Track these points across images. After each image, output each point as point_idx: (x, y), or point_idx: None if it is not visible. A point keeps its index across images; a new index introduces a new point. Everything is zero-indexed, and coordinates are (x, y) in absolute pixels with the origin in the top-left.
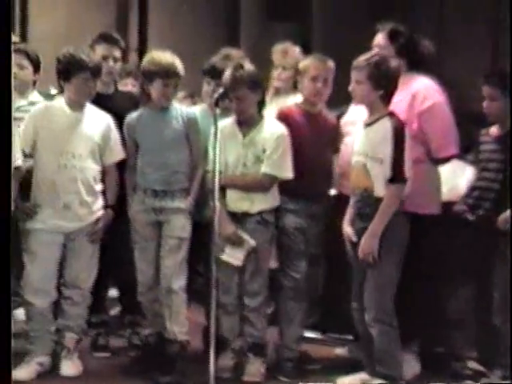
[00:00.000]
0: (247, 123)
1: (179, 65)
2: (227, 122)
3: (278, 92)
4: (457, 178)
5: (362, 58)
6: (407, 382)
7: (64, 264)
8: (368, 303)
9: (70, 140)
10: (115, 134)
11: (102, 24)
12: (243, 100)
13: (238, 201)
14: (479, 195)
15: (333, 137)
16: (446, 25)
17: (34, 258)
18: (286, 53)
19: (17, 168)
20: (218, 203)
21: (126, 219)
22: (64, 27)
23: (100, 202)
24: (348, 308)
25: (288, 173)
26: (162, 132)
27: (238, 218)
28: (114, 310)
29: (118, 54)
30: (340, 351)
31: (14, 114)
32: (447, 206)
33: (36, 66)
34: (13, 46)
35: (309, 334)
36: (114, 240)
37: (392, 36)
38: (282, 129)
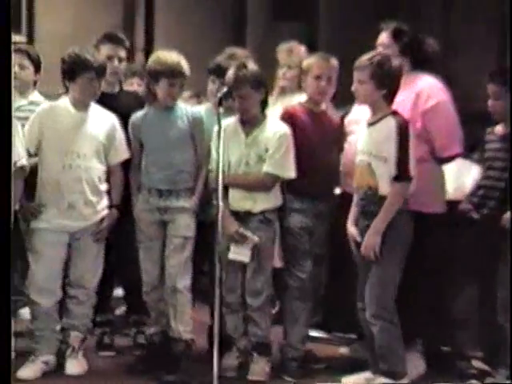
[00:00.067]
0: (250, 122)
1: (185, 64)
2: (230, 122)
3: (283, 91)
4: (462, 177)
5: (364, 58)
6: (412, 381)
7: (69, 263)
8: (369, 300)
9: (75, 140)
10: (120, 134)
11: (109, 24)
12: (246, 99)
13: (240, 200)
14: (484, 194)
15: (337, 135)
16: (452, 24)
17: (39, 257)
18: (292, 52)
19: (21, 167)
20: (221, 202)
21: (130, 219)
22: (71, 27)
23: (105, 202)
24: (351, 307)
25: (290, 172)
26: (167, 131)
27: (241, 217)
28: (120, 310)
29: (122, 53)
30: (344, 350)
31: (15, 114)
32: (453, 204)
33: (37, 66)
34: (14, 46)
35: (314, 333)
36: (119, 239)
37: (396, 35)
38: (284, 128)
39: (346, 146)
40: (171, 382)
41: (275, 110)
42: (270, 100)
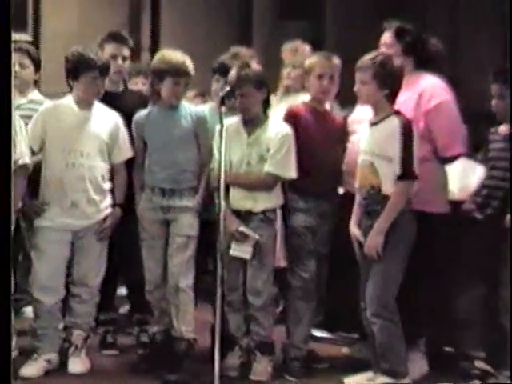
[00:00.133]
0: (252, 122)
1: (190, 64)
2: (232, 121)
3: (287, 90)
4: (467, 177)
5: (366, 58)
6: (415, 381)
7: (72, 262)
8: (370, 298)
9: (79, 139)
10: (123, 133)
11: (115, 23)
12: (247, 98)
13: (241, 199)
14: (488, 194)
15: (341, 135)
16: (457, 24)
17: (42, 255)
18: (296, 51)
19: (24, 165)
20: (223, 201)
21: (134, 217)
22: (77, 26)
23: (108, 201)
24: (353, 307)
25: (291, 172)
26: (171, 130)
27: (242, 216)
28: (124, 308)
29: (126, 52)
30: (347, 350)
31: (15, 113)
32: (457, 205)
33: (37, 66)
34: (15, 45)
35: (316, 333)
36: (123, 238)
37: (398, 34)
38: (286, 129)
39: (349, 145)
40: (173, 382)
41: (280, 109)
42: (275, 99)
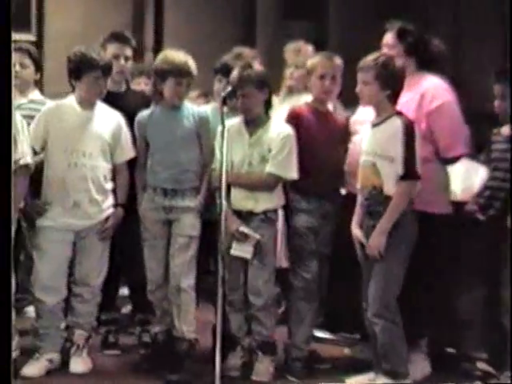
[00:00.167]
0: (254, 123)
1: (192, 64)
2: (235, 121)
3: (290, 91)
4: (470, 179)
5: (368, 59)
6: (416, 382)
7: (74, 261)
8: (371, 299)
9: (81, 139)
10: (126, 133)
11: (119, 23)
12: (249, 98)
13: (242, 200)
14: (490, 195)
15: (343, 135)
16: (460, 24)
17: (44, 255)
18: (299, 51)
19: (26, 165)
20: (224, 202)
21: (136, 217)
22: (80, 26)
23: (110, 200)
24: (355, 307)
25: (293, 173)
26: (173, 131)
27: (243, 216)
28: (126, 308)
29: (129, 52)
30: (349, 351)
31: (15, 112)
32: (460, 205)
33: (37, 66)
34: (15, 45)
35: (318, 334)
36: (125, 238)
37: (400, 35)
38: (288, 129)
39: (351, 146)
40: (174, 382)
41: (282, 109)
42: (278, 100)
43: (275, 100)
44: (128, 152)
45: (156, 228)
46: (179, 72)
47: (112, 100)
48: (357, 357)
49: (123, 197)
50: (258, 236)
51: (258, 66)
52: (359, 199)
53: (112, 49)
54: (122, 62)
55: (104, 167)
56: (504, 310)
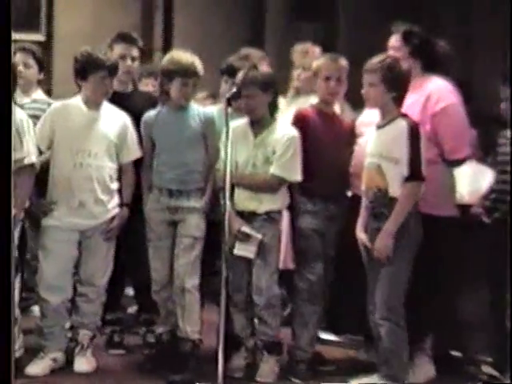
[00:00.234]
0: (259, 124)
1: (199, 65)
2: (240, 122)
3: (298, 92)
4: (477, 181)
5: (374, 61)
6: None
7: (79, 261)
8: (378, 302)
9: (87, 139)
10: (132, 133)
11: (128, 23)
12: (252, 99)
13: (246, 200)
14: (496, 198)
15: (349, 137)
16: (470, 26)
17: (49, 255)
18: (306, 53)
19: (31, 165)
20: (228, 202)
21: (142, 218)
22: (90, 26)
23: (115, 201)
24: (360, 309)
25: (297, 175)
26: (179, 131)
27: (246, 216)
28: (132, 309)
29: (135, 53)
30: (353, 353)
31: (16, 111)
32: (467, 208)
33: (41, 66)
34: (19, 45)
35: (323, 336)
36: (130, 239)
37: (406, 37)
38: (293, 131)
39: (356, 147)
40: (178, 382)
41: (290, 111)
42: (285, 101)
43: (282, 101)
44: (134, 152)
45: (161, 228)
46: (185, 72)
47: (118, 100)
48: (361, 359)
49: (129, 197)
50: (259, 236)
51: (265, 68)
52: (364, 202)
53: (119, 49)
54: (129, 62)
55: (110, 167)
56: (510, 313)
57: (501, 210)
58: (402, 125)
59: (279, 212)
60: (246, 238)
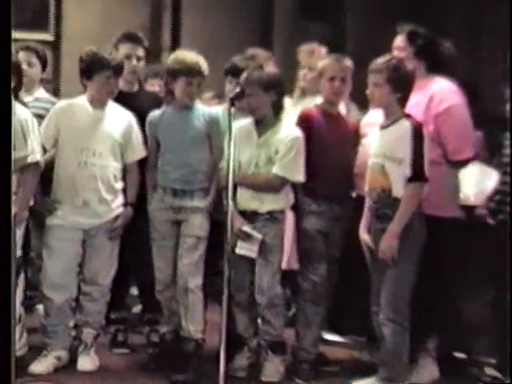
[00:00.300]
0: (263, 124)
1: (203, 64)
2: (245, 122)
3: (303, 93)
4: (483, 183)
5: (379, 61)
6: None
7: (83, 260)
8: (384, 303)
9: (92, 138)
10: (137, 132)
11: (136, 23)
12: (254, 99)
13: (248, 200)
14: (500, 199)
15: (353, 137)
16: (477, 26)
17: (53, 253)
18: (313, 53)
19: (36, 163)
20: (230, 202)
21: (146, 217)
22: (98, 26)
23: (120, 200)
24: (364, 310)
25: (299, 176)
26: (184, 131)
27: (248, 216)
28: (136, 308)
29: (141, 53)
30: (357, 353)
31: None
32: (472, 209)
33: (44, 64)
34: (23, 44)
35: (327, 336)
36: (134, 238)
37: (410, 38)
38: (296, 132)
39: (360, 148)
40: (180, 382)
41: (296, 111)
42: (291, 101)
43: (288, 102)
44: (139, 152)
45: (165, 228)
46: (190, 71)
47: (124, 100)
48: (364, 360)
49: (133, 196)
50: (259, 236)
51: (271, 68)
52: (367, 202)
53: (124, 49)
54: (134, 62)
55: (114, 167)
56: (510, 314)
57: (504, 211)
58: (405, 125)
59: (282, 212)
60: (247, 237)
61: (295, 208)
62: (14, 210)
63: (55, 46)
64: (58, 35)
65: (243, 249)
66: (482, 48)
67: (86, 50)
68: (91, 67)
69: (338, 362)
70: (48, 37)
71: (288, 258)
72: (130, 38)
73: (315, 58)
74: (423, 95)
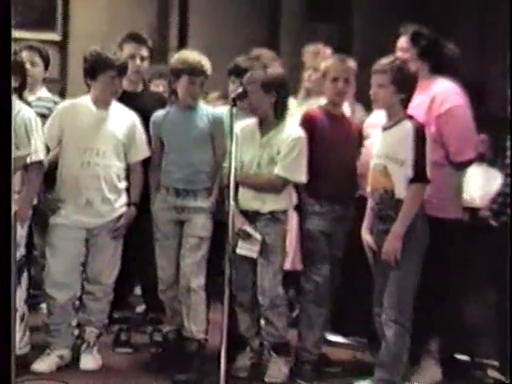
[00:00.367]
0: (265, 124)
1: (206, 63)
2: (250, 122)
3: (308, 93)
4: (489, 185)
5: (383, 62)
6: None
7: (87, 259)
8: (387, 304)
9: (95, 138)
10: (140, 132)
11: (144, 24)
12: (254, 98)
13: (249, 199)
14: (503, 201)
15: (357, 139)
16: (484, 28)
17: (56, 252)
18: (318, 54)
19: (39, 162)
20: (232, 201)
21: (149, 217)
22: (105, 26)
23: (123, 200)
24: (368, 311)
25: (301, 177)
26: (187, 131)
27: (249, 216)
28: (141, 307)
29: (145, 53)
30: (359, 354)
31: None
32: (476, 211)
33: (46, 64)
34: (26, 44)
35: (330, 337)
36: (138, 238)
37: (414, 39)
38: (298, 132)
39: (363, 149)
40: (183, 381)
41: (301, 112)
42: (296, 102)
43: (293, 102)
44: (142, 151)
45: (168, 228)
46: (192, 70)
47: (128, 100)
48: (367, 361)
49: (136, 196)
50: (259, 237)
51: (276, 68)
52: (370, 203)
53: (128, 49)
54: (138, 61)
55: (117, 166)
56: (510, 316)
57: (507, 213)
58: (407, 126)
59: (284, 212)
60: (247, 237)
61: (298, 208)
62: (13, 209)
63: (62, 45)
64: (65, 35)
65: (244, 249)
66: (488, 49)
67: (90, 49)
68: (95, 67)
69: (341, 363)
70: (55, 37)
71: (292, 258)
72: (134, 38)
73: (320, 58)
74: (425, 96)
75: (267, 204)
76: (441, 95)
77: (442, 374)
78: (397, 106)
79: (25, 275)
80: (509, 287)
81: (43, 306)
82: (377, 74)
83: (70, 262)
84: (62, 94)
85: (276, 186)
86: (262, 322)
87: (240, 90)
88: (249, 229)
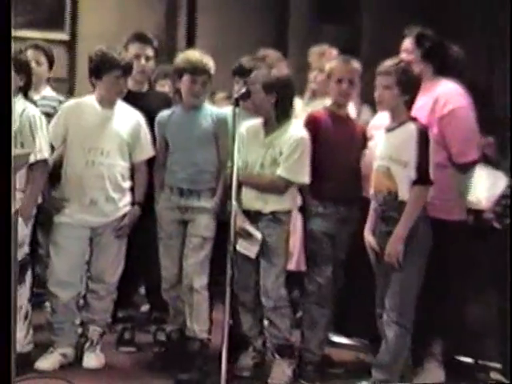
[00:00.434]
0: (269, 124)
1: (209, 63)
2: (255, 122)
3: (314, 94)
4: (495, 187)
5: (388, 64)
6: None
7: (91, 258)
8: (390, 306)
9: (100, 137)
10: (145, 132)
11: (152, 23)
12: (256, 98)
13: (252, 199)
14: (507, 203)
15: (361, 140)
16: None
17: (60, 251)
18: (323, 55)
19: (44, 161)
20: (234, 201)
21: (153, 216)
22: (114, 26)
23: (127, 199)
24: (371, 312)
25: (304, 178)
26: (192, 131)
27: (251, 216)
28: (145, 307)
29: (150, 52)
30: (362, 355)
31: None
32: (480, 213)
33: (51, 63)
34: (31, 43)
35: (334, 338)
36: (142, 238)
37: (418, 40)
38: (302, 133)
39: (366, 150)
40: (185, 381)
41: (306, 113)
42: (302, 103)
43: (299, 103)
44: (147, 151)
45: (171, 227)
46: (194, 69)
47: (134, 100)
48: (370, 362)
49: (141, 196)
50: (259, 236)
51: (282, 69)
52: (373, 204)
53: (134, 49)
54: (143, 61)
55: (121, 166)
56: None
57: (510, 215)
58: (411, 128)
59: (286, 213)
60: (247, 235)
61: (302, 210)
62: (14, 208)
63: (71, 45)
64: (73, 35)
65: (243, 248)
66: (496, 51)
67: (95, 49)
68: (100, 67)
69: (344, 364)
70: (64, 36)
71: (297, 259)
72: (140, 37)
73: (326, 59)
74: (429, 97)
75: (269, 204)
76: (444, 96)
77: (445, 376)
78: (401, 108)
79: (29, 273)
80: (511, 289)
81: (47, 304)
82: (381, 75)
83: (73, 260)
84: (70, 94)
85: (278, 187)
86: (266, 323)
87: (243, 90)
88: (249, 227)
